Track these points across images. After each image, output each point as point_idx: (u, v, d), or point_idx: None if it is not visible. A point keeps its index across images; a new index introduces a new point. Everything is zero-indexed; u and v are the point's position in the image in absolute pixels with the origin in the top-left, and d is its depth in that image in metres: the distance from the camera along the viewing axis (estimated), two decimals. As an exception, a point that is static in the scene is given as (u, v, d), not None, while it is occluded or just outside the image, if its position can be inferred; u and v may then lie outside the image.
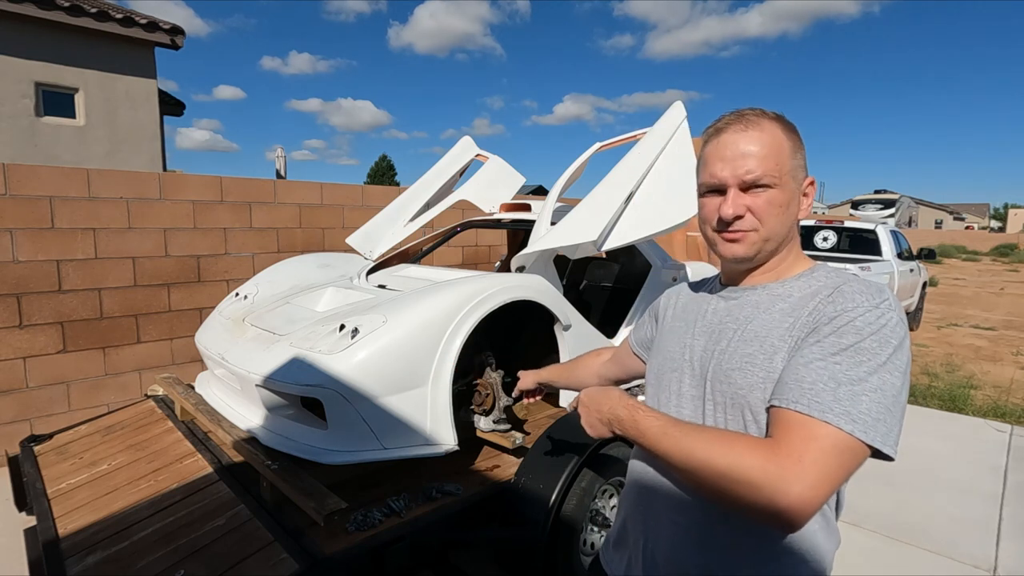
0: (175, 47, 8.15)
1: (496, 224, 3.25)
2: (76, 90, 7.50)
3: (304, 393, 1.90)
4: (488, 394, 2.21)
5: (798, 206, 0.91)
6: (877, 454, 0.76)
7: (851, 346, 0.76)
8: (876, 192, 9.83)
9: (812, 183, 0.93)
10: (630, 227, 2.37)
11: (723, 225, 0.90)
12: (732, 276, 0.98)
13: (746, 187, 0.87)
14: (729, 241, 0.90)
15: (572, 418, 2.17)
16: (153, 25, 7.79)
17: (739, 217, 0.88)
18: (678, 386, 0.96)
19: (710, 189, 0.91)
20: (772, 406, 0.79)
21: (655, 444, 0.83)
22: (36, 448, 2.41)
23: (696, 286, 1.08)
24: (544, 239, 2.47)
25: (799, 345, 0.81)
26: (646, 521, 0.97)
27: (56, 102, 7.37)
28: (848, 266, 5.75)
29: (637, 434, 0.86)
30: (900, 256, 7.23)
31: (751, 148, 0.86)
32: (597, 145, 2.98)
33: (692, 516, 0.89)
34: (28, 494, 2.11)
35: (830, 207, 42.53)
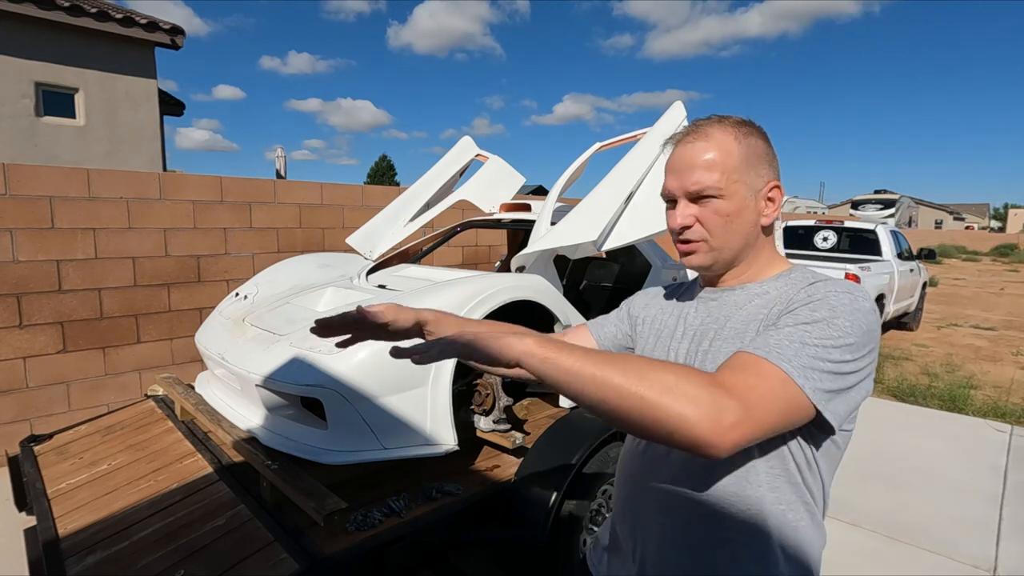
0: (175, 47, 8.15)
1: (496, 224, 3.25)
2: (76, 90, 7.50)
3: (304, 393, 1.90)
4: (488, 394, 2.21)
5: (755, 213, 0.91)
6: (820, 423, 0.76)
7: (823, 319, 0.77)
8: (876, 192, 9.82)
9: (775, 187, 0.91)
10: (630, 227, 2.37)
11: (677, 235, 0.93)
12: (708, 279, 0.99)
13: (693, 198, 0.90)
14: (684, 252, 0.94)
15: (572, 418, 2.17)
16: (153, 25, 7.79)
17: (687, 227, 0.91)
18: None
19: (668, 200, 0.95)
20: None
21: (568, 369, 0.71)
22: (36, 448, 2.41)
23: (675, 289, 1.09)
24: (544, 239, 2.47)
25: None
26: (633, 523, 0.97)
27: (56, 102, 7.37)
28: (848, 266, 5.75)
29: (544, 360, 0.73)
30: (900, 256, 7.23)
31: (697, 159, 0.89)
32: (597, 145, 2.98)
33: (677, 517, 0.89)
34: (28, 494, 2.11)
35: (830, 207, 42.54)
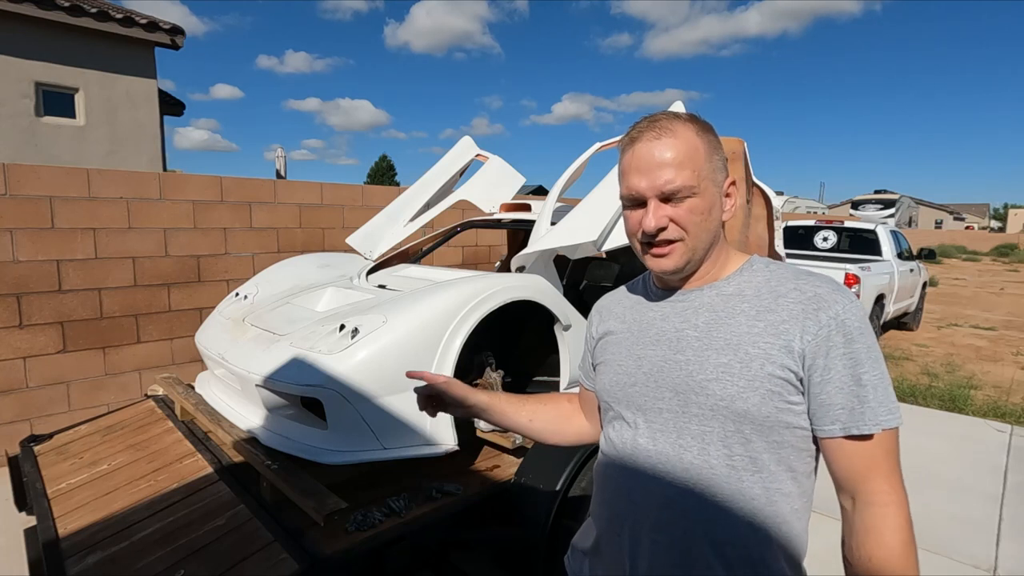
0: (175, 47, 8.15)
1: (496, 224, 3.25)
2: (76, 90, 7.50)
3: (304, 393, 1.90)
4: (488, 394, 2.20)
5: (720, 209, 0.89)
6: None
7: (865, 350, 0.81)
8: (876, 192, 9.82)
9: (734, 183, 0.90)
10: (630, 227, 2.37)
11: (648, 238, 0.88)
12: (667, 282, 0.95)
13: (665, 197, 0.85)
14: (657, 256, 0.89)
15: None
16: (153, 25, 7.78)
17: (662, 228, 0.86)
18: (641, 400, 0.92)
19: (631, 202, 0.89)
20: (838, 436, 0.82)
21: None
22: (36, 448, 2.40)
23: (625, 292, 1.05)
24: (544, 239, 2.47)
25: (820, 365, 0.81)
26: (619, 538, 0.94)
27: (56, 102, 7.36)
28: (848, 266, 5.75)
29: None
30: (900, 256, 7.23)
31: (666, 156, 0.84)
32: (597, 145, 2.97)
33: (672, 534, 0.87)
34: (28, 494, 2.11)
35: (830, 207, 42.52)
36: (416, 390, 1.12)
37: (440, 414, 1.95)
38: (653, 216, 0.86)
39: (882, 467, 0.81)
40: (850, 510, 0.83)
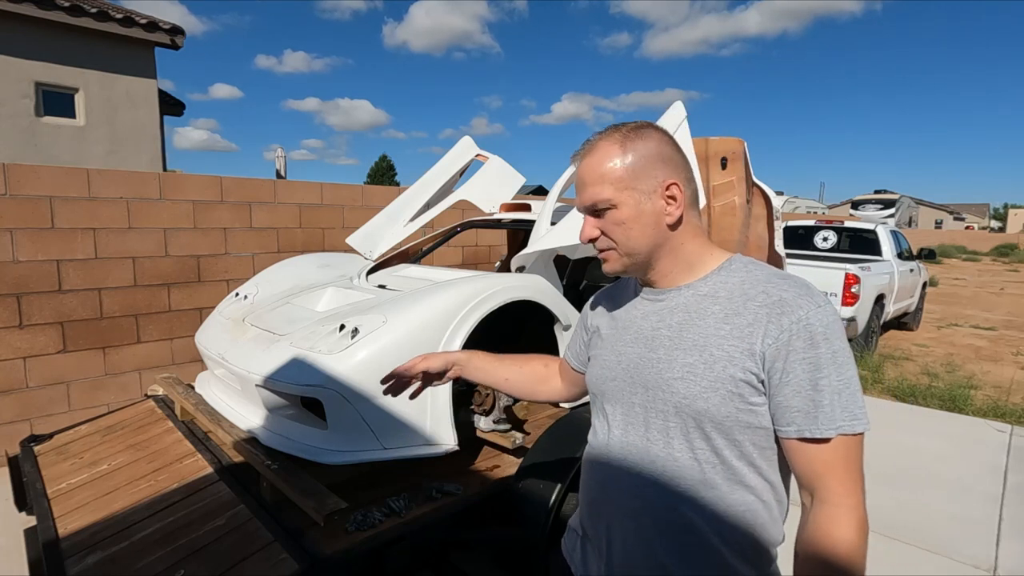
0: (175, 47, 8.15)
1: (496, 224, 3.25)
2: (76, 90, 7.50)
3: (304, 393, 1.90)
4: (488, 394, 2.21)
5: (655, 214, 0.90)
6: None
7: (829, 355, 0.81)
8: (876, 192, 9.81)
9: (672, 184, 0.89)
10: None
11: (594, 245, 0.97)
12: (642, 280, 0.99)
13: (591, 212, 0.93)
14: (603, 261, 0.97)
15: (573, 418, 2.17)
16: (153, 25, 7.79)
17: (594, 239, 0.94)
18: (619, 395, 0.97)
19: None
20: (793, 438, 0.83)
21: None
22: (36, 448, 2.41)
23: (620, 289, 1.08)
24: (544, 239, 2.47)
25: (779, 368, 0.81)
26: (597, 524, 0.99)
27: (56, 102, 7.36)
28: (848, 266, 5.75)
29: None
30: (900, 256, 7.23)
31: (586, 176, 0.92)
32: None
33: (642, 521, 0.91)
34: (28, 494, 2.11)
35: (830, 207, 42.52)
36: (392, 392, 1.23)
37: (440, 415, 1.96)
38: (585, 228, 0.95)
39: (838, 471, 0.81)
40: (808, 506, 0.85)
